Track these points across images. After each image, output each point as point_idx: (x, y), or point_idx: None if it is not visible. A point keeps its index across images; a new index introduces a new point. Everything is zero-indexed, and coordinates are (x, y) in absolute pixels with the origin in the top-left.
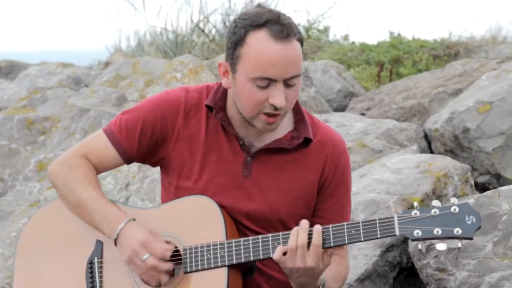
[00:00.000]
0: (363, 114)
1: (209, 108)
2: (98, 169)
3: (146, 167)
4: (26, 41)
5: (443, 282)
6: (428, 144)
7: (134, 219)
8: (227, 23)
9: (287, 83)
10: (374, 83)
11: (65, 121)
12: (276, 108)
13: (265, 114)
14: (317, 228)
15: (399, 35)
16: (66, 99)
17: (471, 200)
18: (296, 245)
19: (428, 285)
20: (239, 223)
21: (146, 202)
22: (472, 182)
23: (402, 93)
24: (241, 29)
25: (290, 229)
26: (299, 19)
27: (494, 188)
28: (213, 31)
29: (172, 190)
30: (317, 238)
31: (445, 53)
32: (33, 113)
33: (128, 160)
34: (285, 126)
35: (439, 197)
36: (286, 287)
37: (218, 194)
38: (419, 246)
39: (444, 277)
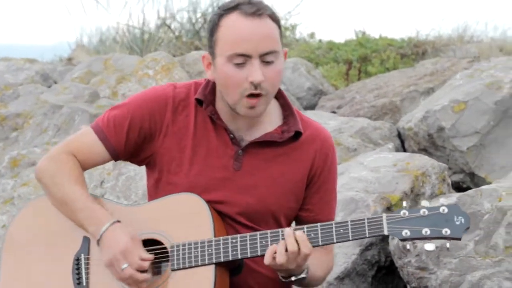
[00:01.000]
0: (334, 112)
1: (199, 102)
2: (85, 166)
3: (122, 164)
4: None
5: (424, 281)
6: (402, 142)
7: (118, 221)
8: (194, 20)
9: (264, 60)
10: (343, 81)
11: (38, 117)
12: (255, 87)
13: (247, 97)
14: (301, 236)
15: (364, 33)
16: (38, 95)
17: (453, 199)
18: (285, 250)
19: (409, 284)
20: (230, 217)
21: (121, 199)
22: (449, 181)
23: (373, 91)
24: (216, 16)
25: (280, 223)
26: None
27: (468, 187)
28: (180, 28)
29: (162, 186)
30: (305, 247)
31: (412, 52)
32: (4, 109)
33: (115, 157)
34: (275, 120)
35: (417, 196)
36: (274, 283)
37: (209, 188)
38: (408, 246)
39: (425, 276)
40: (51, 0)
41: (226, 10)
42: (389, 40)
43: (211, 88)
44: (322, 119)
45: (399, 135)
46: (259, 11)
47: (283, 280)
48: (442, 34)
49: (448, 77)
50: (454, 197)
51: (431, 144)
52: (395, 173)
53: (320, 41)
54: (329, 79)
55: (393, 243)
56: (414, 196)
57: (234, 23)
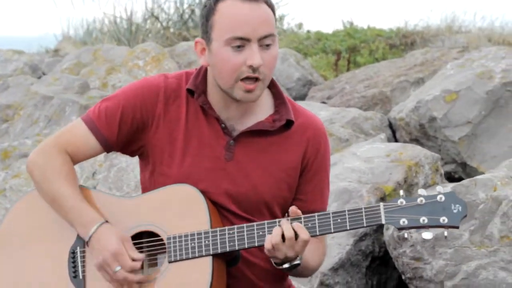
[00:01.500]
0: (324, 103)
1: (190, 92)
2: (77, 158)
3: (114, 155)
4: None
5: (419, 271)
6: (393, 133)
7: (106, 221)
8: (181, 11)
9: (262, 44)
10: (332, 72)
11: (28, 108)
12: (254, 70)
13: (244, 80)
14: (297, 225)
15: (352, 24)
16: (28, 86)
17: (447, 189)
18: (282, 238)
19: (404, 274)
20: (223, 207)
21: (113, 191)
22: (442, 171)
23: (363, 82)
24: (211, 1)
25: (274, 212)
26: None
27: (460, 177)
28: (167, 18)
29: (155, 178)
30: (304, 233)
31: (401, 42)
32: None
33: (108, 148)
34: (266, 109)
35: (410, 186)
36: (271, 275)
37: (202, 178)
38: (406, 235)
39: (420, 266)
40: None
41: None
42: (378, 30)
43: (202, 77)
44: (313, 109)
45: (390, 125)
46: None
47: (276, 266)
48: (430, 25)
49: (438, 67)
50: (448, 187)
51: (423, 134)
52: (389, 163)
53: (308, 31)
54: (318, 70)
55: (388, 233)
56: (407, 186)
57: (232, 7)
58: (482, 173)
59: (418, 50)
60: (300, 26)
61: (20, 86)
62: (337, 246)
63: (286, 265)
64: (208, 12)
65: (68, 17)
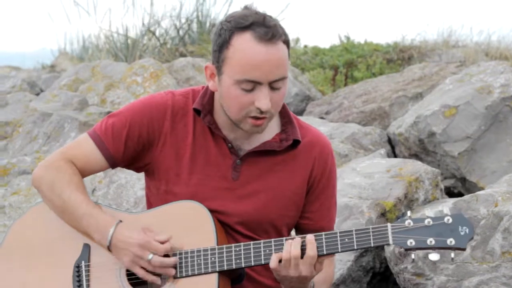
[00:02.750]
0: (322, 118)
1: (197, 111)
2: (83, 173)
3: (113, 171)
4: None
5: (420, 287)
6: (392, 148)
7: (121, 221)
8: (178, 26)
9: (272, 86)
10: (329, 86)
11: (27, 125)
12: (262, 112)
13: (252, 117)
14: (310, 239)
15: (349, 39)
16: (27, 103)
17: (448, 205)
18: (289, 256)
19: None
20: (229, 227)
21: (113, 207)
22: (442, 187)
23: (361, 97)
24: (227, 32)
25: (280, 231)
26: None
27: (460, 192)
28: (164, 34)
29: (161, 195)
30: (311, 249)
31: (398, 57)
32: None
33: (113, 164)
34: (273, 128)
35: (410, 202)
36: None
37: (208, 197)
38: (413, 256)
39: (422, 282)
40: (32, 7)
41: (238, 28)
42: (375, 45)
43: (209, 97)
44: (312, 125)
45: (389, 141)
46: (274, 37)
47: None
48: (427, 39)
49: (436, 82)
50: (449, 202)
51: (422, 149)
52: (389, 179)
53: (305, 46)
54: (316, 85)
55: (389, 249)
56: (408, 202)
57: (247, 47)
58: (482, 188)
59: (416, 65)
60: (297, 41)
61: (19, 103)
62: (338, 262)
63: None
64: (222, 44)
65: (64, 33)
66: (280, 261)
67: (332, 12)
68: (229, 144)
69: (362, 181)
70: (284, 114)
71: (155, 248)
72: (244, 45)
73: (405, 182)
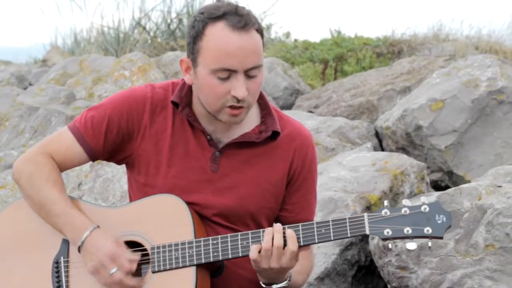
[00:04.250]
0: (311, 112)
1: (175, 104)
2: (63, 167)
3: (99, 166)
4: None
5: (404, 280)
6: (379, 141)
7: (98, 226)
8: (169, 21)
9: (248, 74)
10: (319, 80)
11: (14, 119)
12: (238, 100)
13: (229, 107)
14: (291, 233)
15: (339, 33)
16: (14, 97)
17: (432, 198)
18: (270, 246)
19: (390, 283)
20: (209, 219)
21: (99, 201)
22: (428, 180)
23: (349, 90)
24: (200, 23)
25: (260, 224)
26: None
27: (447, 185)
28: (155, 28)
29: (140, 188)
30: (293, 243)
31: (388, 50)
32: None
33: (93, 157)
34: (252, 120)
35: (396, 195)
36: (255, 286)
37: (187, 190)
38: (390, 245)
39: (405, 275)
40: (25, 1)
41: (211, 19)
42: (365, 39)
43: (187, 90)
44: (300, 119)
45: (377, 134)
46: (247, 25)
47: (264, 286)
48: (417, 33)
49: (425, 76)
50: (433, 196)
51: (409, 143)
52: (374, 172)
53: (295, 40)
54: (305, 79)
55: (373, 242)
56: (393, 195)
57: (220, 36)
58: (469, 181)
59: (405, 59)
60: (287, 35)
61: (6, 97)
62: (323, 255)
63: (273, 286)
64: (196, 35)
65: (56, 27)
66: (259, 251)
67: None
68: (208, 136)
69: (348, 175)
70: (263, 106)
71: (121, 264)
72: (218, 34)
73: (391, 175)
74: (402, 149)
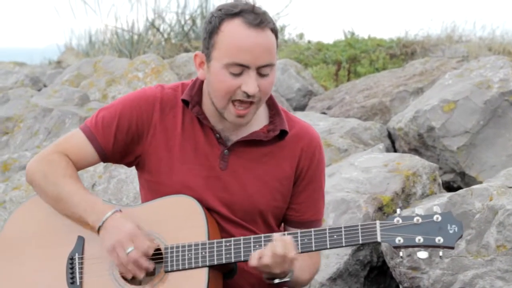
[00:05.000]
0: (324, 113)
1: (185, 102)
2: (76, 167)
3: (113, 167)
4: None
5: (416, 281)
6: (392, 143)
7: (120, 210)
8: (182, 22)
9: (260, 72)
10: (332, 82)
11: (28, 121)
12: (248, 96)
13: (236, 102)
14: (290, 241)
15: (353, 34)
16: (28, 98)
17: (444, 199)
18: (272, 256)
19: (401, 284)
20: (218, 215)
21: (113, 202)
22: (440, 181)
23: (362, 92)
24: (217, 19)
25: (268, 221)
26: None
27: (459, 186)
28: (169, 30)
29: (151, 186)
30: (290, 251)
31: (401, 52)
32: None
33: (104, 157)
34: (261, 120)
35: (408, 196)
36: (266, 285)
37: (196, 187)
38: (401, 253)
39: (417, 276)
40: (42, 3)
41: (228, 15)
42: (378, 40)
43: (197, 89)
44: (312, 120)
45: (390, 135)
46: (262, 23)
47: (267, 281)
48: (431, 34)
49: (437, 77)
50: (445, 197)
51: (422, 144)
52: (386, 173)
53: (309, 42)
54: (319, 80)
55: (385, 243)
56: (405, 196)
57: (236, 32)
58: (481, 182)
59: (418, 60)
60: (301, 36)
61: (20, 98)
62: (335, 256)
63: (276, 280)
64: (212, 30)
65: (71, 28)
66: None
67: (336, 7)
68: (217, 134)
69: (360, 176)
70: (272, 106)
71: (139, 244)
72: (234, 29)
73: (403, 176)
74: (415, 150)
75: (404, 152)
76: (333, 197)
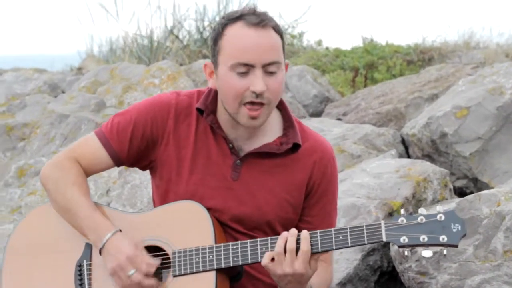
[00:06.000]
0: (339, 119)
1: (200, 111)
2: (89, 171)
3: (127, 172)
4: None
5: (424, 286)
6: (406, 149)
7: (120, 230)
8: (201, 29)
9: (266, 70)
10: (349, 88)
11: (45, 127)
12: (257, 96)
13: (248, 104)
14: (305, 234)
15: (372, 40)
16: (45, 105)
17: (452, 204)
18: (283, 250)
19: None
20: (227, 226)
21: (127, 207)
22: (451, 187)
23: (378, 98)
24: (220, 25)
25: (277, 232)
26: None
27: (472, 192)
28: (187, 37)
29: (162, 194)
30: (305, 244)
31: (419, 58)
32: (12, 119)
33: (118, 163)
34: (274, 131)
35: (418, 202)
36: None
37: (207, 196)
38: (406, 253)
39: (425, 281)
40: (64, 10)
41: (230, 20)
42: (396, 47)
43: (212, 97)
44: (327, 126)
45: (403, 141)
46: (263, 22)
47: None
48: (448, 41)
49: (453, 83)
50: (453, 202)
51: (435, 150)
52: (397, 179)
53: (327, 48)
54: (336, 86)
55: (394, 248)
56: (416, 201)
57: (238, 33)
58: (493, 188)
59: (433, 66)
60: (319, 43)
61: (37, 104)
62: (345, 261)
63: None
64: (216, 37)
65: (91, 35)
66: (273, 259)
67: (355, 14)
68: (230, 144)
69: (371, 181)
70: (286, 118)
71: (139, 266)
72: (236, 31)
73: (413, 182)
74: (428, 156)
75: (417, 158)
76: (344, 203)
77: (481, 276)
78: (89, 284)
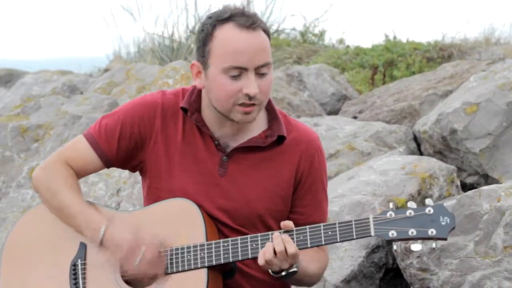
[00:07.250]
0: (355, 117)
1: (184, 110)
2: (80, 173)
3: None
4: (28, 49)
5: (426, 282)
6: (418, 145)
7: (112, 221)
8: None
9: (258, 72)
10: (367, 86)
11: (58, 128)
12: (250, 98)
13: (241, 105)
14: (284, 237)
15: (394, 38)
16: (59, 106)
17: (452, 201)
18: (273, 255)
19: (412, 285)
20: (218, 221)
21: (137, 207)
22: (458, 183)
23: (393, 95)
24: (209, 26)
25: (268, 225)
26: (295, 24)
27: None
28: None
29: (152, 192)
30: (291, 247)
31: (438, 55)
32: (26, 120)
33: (107, 163)
34: (259, 125)
35: (424, 198)
36: (268, 286)
37: (196, 194)
38: (394, 247)
39: (427, 277)
40: (95, 13)
41: (219, 21)
42: (416, 44)
43: (196, 95)
44: (339, 124)
45: (415, 138)
46: (255, 24)
47: (274, 275)
48: (468, 37)
49: (466, 80)
50: (454, 198)
51: (445, 146)
52: (403, 176)
53: (347, 46)
54: (354, 84)
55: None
56: (421, 198)
57: (229, 36)
58: None
59: (449, 63)
60: (341, 41)
61: (51, 106)
62: (349, 258)
63: (283, 273)
64: (205, 38)
65: (119, 37)
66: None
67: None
68: (216, 142)
69: (377, 179)
70: (270, 111)
71: (148, 242)
72: (227, 34)
73: (419, 179)
74: (439, 153)
75: (429, 155)
76: (350, 200)
77: (481, 272)
78: (84, 283)
